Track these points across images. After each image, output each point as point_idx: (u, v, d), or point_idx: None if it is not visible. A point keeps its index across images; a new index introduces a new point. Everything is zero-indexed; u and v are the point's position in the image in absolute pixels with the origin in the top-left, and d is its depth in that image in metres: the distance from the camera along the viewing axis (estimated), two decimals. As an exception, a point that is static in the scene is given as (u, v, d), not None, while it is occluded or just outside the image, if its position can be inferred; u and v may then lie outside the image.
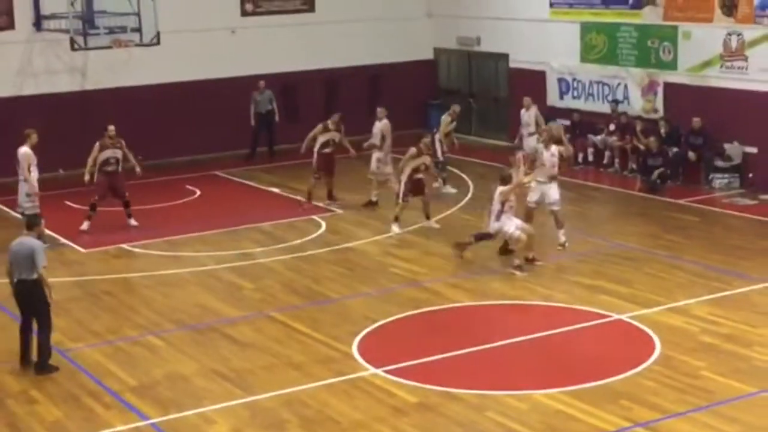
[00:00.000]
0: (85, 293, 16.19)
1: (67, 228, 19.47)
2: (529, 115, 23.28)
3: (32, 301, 13.00)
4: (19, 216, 18.72)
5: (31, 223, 13.40)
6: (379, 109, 21.39)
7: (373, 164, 20.53)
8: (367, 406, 11.71)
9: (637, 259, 16.90)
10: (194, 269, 17.14)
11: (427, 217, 18.99)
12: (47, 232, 18.60)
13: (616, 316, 14.29)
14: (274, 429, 11.24)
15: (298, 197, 21.09)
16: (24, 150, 18.26)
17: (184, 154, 25.53)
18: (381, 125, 21.00)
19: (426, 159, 19.02)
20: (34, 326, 13.20)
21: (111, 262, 17.75)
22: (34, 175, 18.27)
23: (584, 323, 14.11)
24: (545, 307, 14.85)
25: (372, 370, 12.70)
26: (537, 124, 22.77)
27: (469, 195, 21.50)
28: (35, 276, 12.83)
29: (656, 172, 21.41)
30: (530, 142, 22.14)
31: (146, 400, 12.08)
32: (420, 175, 18.85)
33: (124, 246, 18.44)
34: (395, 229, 18.51)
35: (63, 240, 18.96)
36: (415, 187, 18.84)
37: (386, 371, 12.59)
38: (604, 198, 21.73)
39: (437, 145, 21.19)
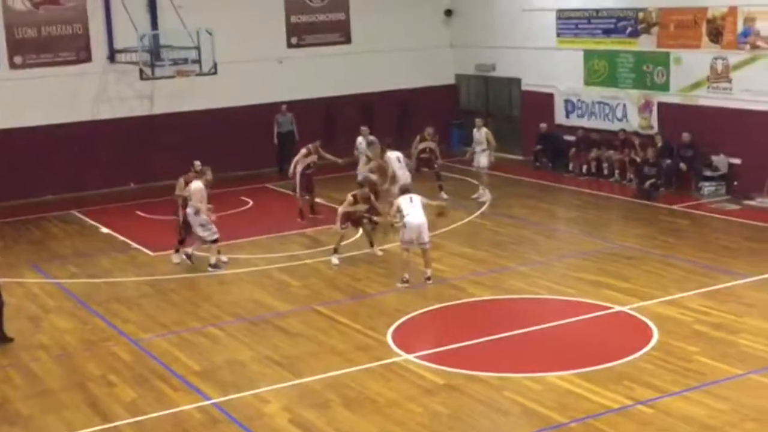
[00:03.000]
0: (155, 291, 16.28)
1: (138, 234, 19.58)
2: (480, 133, 22.06)
3: None
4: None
5: None
6: (363, 128, 21.87)
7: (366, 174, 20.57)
8: (401, 387, 11.72)
9: (635, 258, 16.81)
10: (249, 269, 17.21)
11: (312, 209, 20.47)
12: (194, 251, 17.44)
13: (618, 308, 14.22)
14: (320, 407, 11.26)
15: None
16: (196, 185, 17.00)
17: (238, 169, 25.62)
18: (372, 141, 21.46)
19: (314, 157, 20.39)
20: None
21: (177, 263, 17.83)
22: (203, 207, 16.91)
23: (590, 314, 14.04)
24: (555, 301, 14.80)
25: (404, 355, 12.70)
26: (488, 141, 21.98)
27: (487, 203, 21.45)
28: None
29: (648, 182, 21.30)
30: (481, 159, 21.83)
31: (208, 382, 12.14)
32: (310, 171, 20.33)
33: (188, 250, 18.49)
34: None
35: (135, 245, 19.07)
36: (307, 182, 20.27)
37: (417, 357, 12.60)
38: (605, 204, 21.61)
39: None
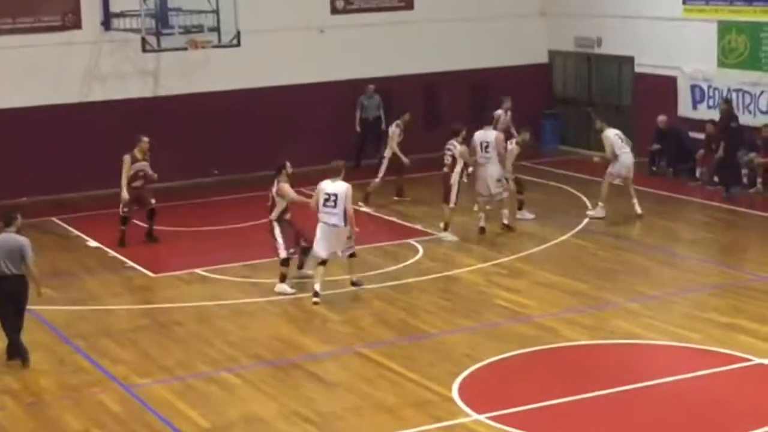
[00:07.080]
0: (155, 323, 16.40)
1: (134, 250, 19.73)
2: None
3: (18, 297, 14.42)
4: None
5: (9, 219, 14.48)
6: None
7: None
8: (468, 457, 11.69)
9: (782, 295, 16.64)
10: (275, 298, 17.28)
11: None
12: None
13: (756, 360, 14.03)
14: (363, 480, 11.29)
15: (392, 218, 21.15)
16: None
17: (266, 168, 25.68)
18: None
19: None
20: None
21: (183, 288, 17.96)
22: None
23: (719, 367, 13.89)
24: (674, 348, 14.65)
25: (474, 416, 12.64)
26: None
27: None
28: (22, 272, 14.30)
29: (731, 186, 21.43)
30: None
31: (220, 444, 12.22)
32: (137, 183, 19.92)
33: (198, 271, 18.66)
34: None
35: (130, 263, 19.24)
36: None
37: (490, 417, 12.52)
38: (743, 223, 21.37)
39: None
